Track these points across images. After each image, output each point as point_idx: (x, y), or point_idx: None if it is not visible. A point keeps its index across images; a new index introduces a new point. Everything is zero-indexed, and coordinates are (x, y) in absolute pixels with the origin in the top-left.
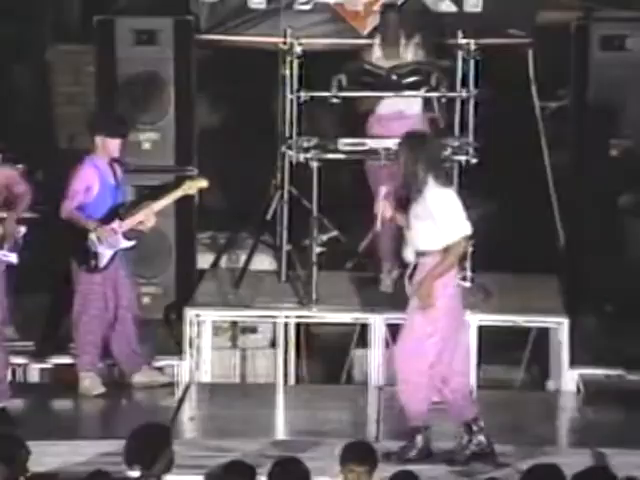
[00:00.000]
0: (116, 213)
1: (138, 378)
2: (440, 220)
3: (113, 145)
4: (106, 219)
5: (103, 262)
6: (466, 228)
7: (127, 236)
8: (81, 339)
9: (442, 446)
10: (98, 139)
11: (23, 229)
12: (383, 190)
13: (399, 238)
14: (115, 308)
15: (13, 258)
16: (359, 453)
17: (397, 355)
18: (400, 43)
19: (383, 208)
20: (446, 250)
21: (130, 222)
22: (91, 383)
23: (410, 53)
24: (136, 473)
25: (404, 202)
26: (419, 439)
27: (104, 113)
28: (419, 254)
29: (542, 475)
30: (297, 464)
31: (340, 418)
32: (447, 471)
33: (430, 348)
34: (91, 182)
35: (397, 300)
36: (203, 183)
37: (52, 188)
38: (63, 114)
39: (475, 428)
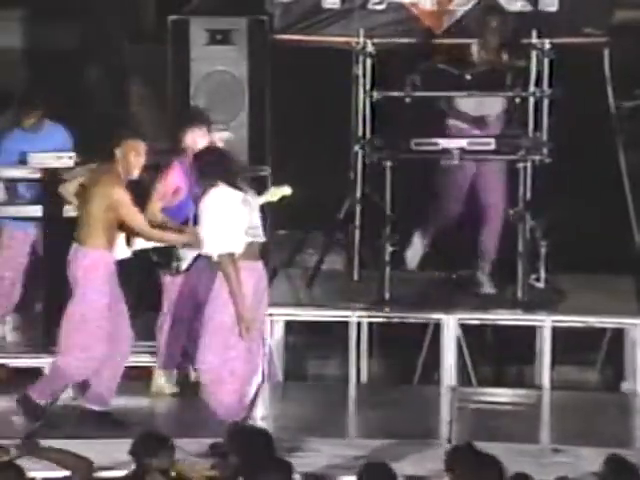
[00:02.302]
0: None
1: None
2: (207, 225)
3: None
4: (189, 223)
5: (185, 265)
6: (227, 245)
7: None
8: (167, 339)
9: None
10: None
11: None
12: None
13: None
14: (197, 307)
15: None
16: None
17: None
18: (499, 47)
19: None
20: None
21: None
22: (167, 382)
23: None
24: None
25: None
26: None
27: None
28: None
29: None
30: (386, 469)
31: (412, 418)
32: None
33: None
34: (180, 185)
35: (470, 300)
36: (286, 191)
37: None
38: (138, 114)
39: None
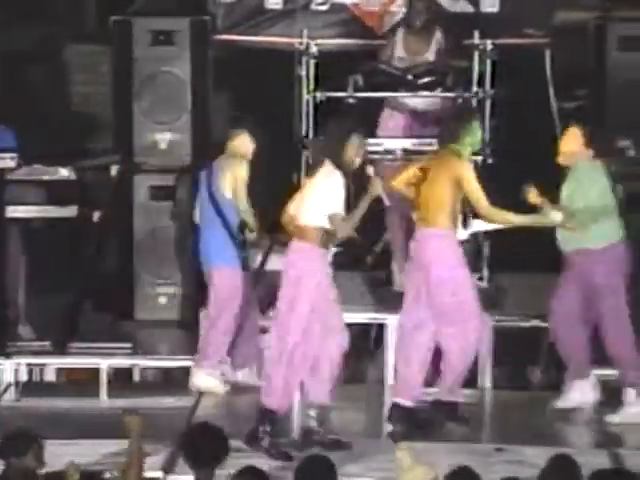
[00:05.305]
0: None
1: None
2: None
3: None
4: None
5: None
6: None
7: None
8: (237, 337)
9: None
10: None
11: None
12: None
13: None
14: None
15: None
16: None
17: None
18: (426, 32)
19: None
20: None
21: None
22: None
23: (433, 48)
24: None
25: None
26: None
27: None
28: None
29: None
30: (324, 460)
31: (356, 418)
32: None
33: None
34: None
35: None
36: None
37: (77, 188)
38: (80, 114)
39: None
